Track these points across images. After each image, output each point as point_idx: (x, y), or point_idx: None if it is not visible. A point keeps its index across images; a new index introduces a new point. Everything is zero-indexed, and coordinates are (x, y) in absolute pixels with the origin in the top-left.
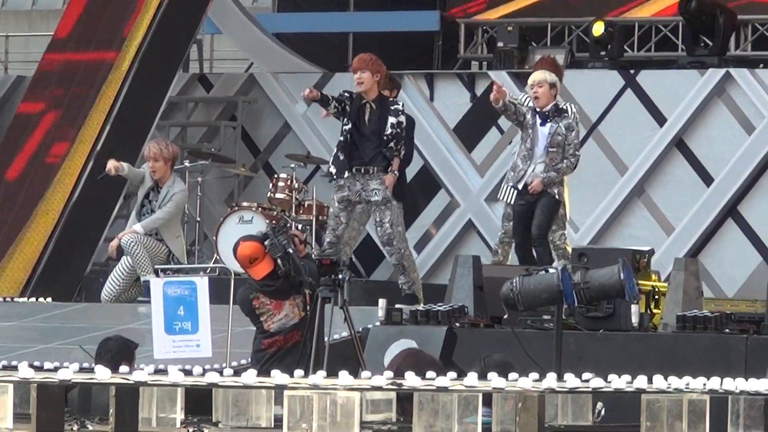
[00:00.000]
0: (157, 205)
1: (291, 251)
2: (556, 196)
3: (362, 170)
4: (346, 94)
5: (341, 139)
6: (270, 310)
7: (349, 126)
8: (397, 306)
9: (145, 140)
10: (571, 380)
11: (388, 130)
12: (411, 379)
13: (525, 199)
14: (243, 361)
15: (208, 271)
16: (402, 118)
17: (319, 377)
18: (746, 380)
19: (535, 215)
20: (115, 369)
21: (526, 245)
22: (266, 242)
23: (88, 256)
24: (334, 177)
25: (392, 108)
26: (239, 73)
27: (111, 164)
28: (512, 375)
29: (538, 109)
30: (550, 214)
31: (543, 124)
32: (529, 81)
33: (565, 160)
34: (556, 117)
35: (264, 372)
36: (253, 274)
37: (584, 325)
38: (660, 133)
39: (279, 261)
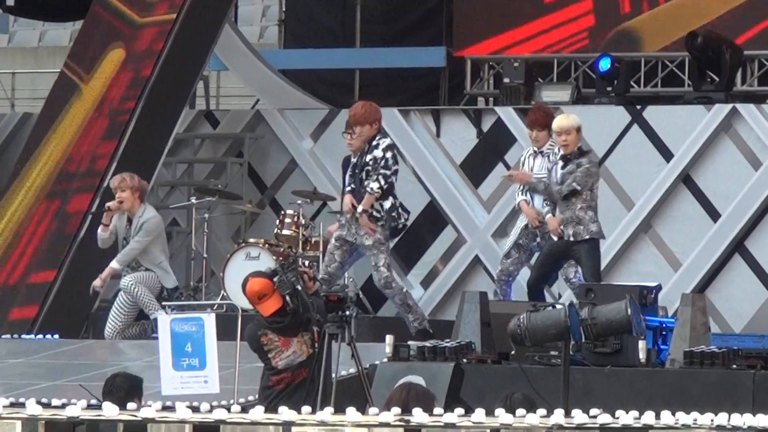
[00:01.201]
0: (132, 239)
1: (300, 288)
2: (577, 238)
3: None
4: None
5: None
6: (278, 347)
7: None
8: (404, 342)
9: (152, 177)
10: (578, 416)
11: (365, 169)
12: (418, 416)
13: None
14: (250, 398)
15: (215, 307)
16: (377, 153)
17: (327, 414)
18: (754, 416)
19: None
20: (123, 405)
21: (539, 285)
22: (275, 279)
23: (94, 293)
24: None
25: (371, 144)
26: (246, 109)
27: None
28: (520, 411)
29: (564, 153)
30: (590, 261)
31: (564, 167)
32: (555, 129)
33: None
34: (579, 158)
35: (272, 409)
36: (261, 310)
37: (592, 361)
38: (667, 169)
39: (288, 298)
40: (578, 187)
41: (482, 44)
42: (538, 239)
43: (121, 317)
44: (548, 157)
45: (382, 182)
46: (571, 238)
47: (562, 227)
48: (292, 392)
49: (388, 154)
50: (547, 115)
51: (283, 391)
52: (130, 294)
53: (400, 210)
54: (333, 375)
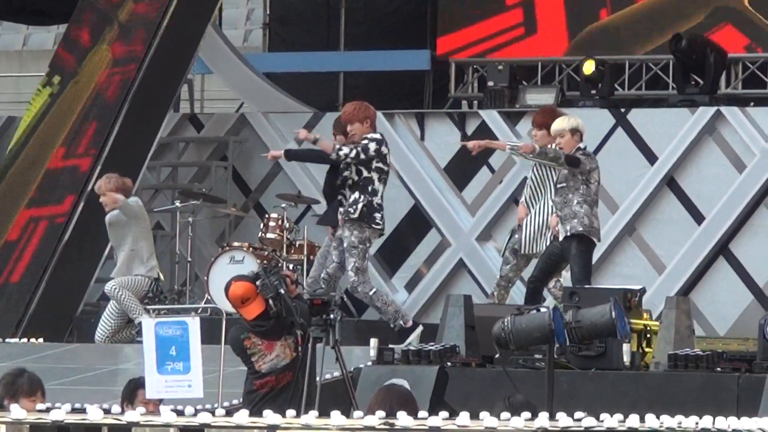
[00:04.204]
0: None
1: (283, 291)
2: (570, 231)
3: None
4: None
5: None
6: (261, 351)
7: None
8: (389, 345)
9: (136, 181)
10: (563, 419)
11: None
12: (403, 419)
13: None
14: (235, 401)
15: (199, 311)
16: (347, 151)
17: (312, 417)
18: (738, 419)
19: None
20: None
21: (539, 284)
22: (258, 282)
23: (79, 296)
24: None
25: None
26: (230, 112)
27: None
28: (505, 414)
29: None
30: (580, 260)
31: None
32: (552, 133)
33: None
34: None
35: (256, 413)
36: (244, 314)
37: (576, 364)
38: (651, 172)
39: (270, 301)
40: (562, 153)
41: (466, 47)
42: None
43: (111, 322)
44: None
45: (352, 152)
46: (568, 233)
47: (560, 226)
48: (276, 396)
49: (371, 145)
50: (546, 114)
51: (267, 395)
52: (114, 298)
53: (376, 211)
54: (318, 378)
